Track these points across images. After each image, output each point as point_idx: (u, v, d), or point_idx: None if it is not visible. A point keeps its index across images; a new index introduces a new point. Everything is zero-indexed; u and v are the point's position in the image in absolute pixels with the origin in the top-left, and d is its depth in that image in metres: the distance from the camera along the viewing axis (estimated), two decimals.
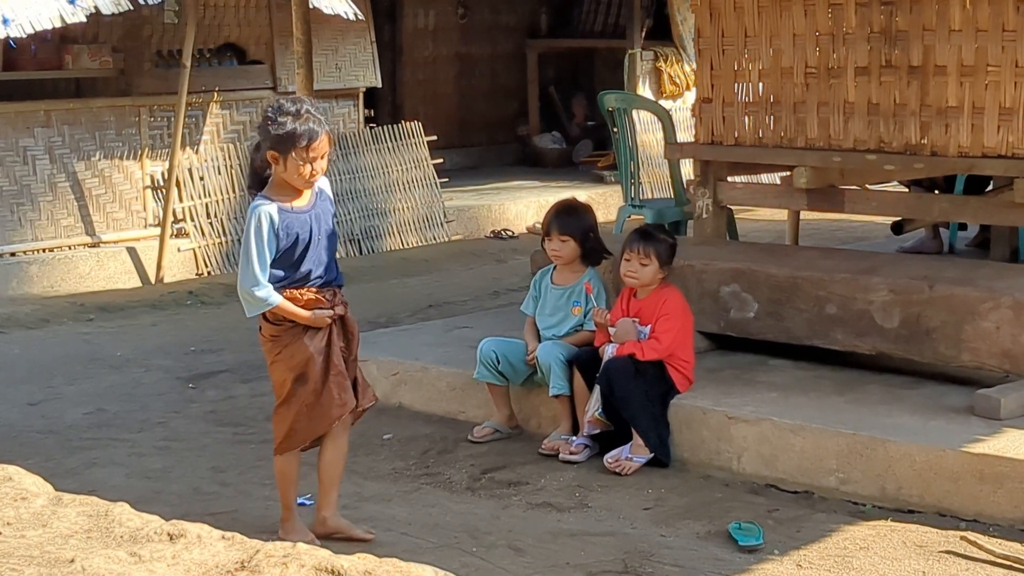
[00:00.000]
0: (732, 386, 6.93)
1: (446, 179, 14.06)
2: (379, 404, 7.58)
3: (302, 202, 5.56)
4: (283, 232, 5.46)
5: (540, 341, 7.01)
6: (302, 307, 5.56)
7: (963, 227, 10.60)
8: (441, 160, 13.99)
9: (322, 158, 5.47)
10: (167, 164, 11.86)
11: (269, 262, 5.46)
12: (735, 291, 7.38)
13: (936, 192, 9.67)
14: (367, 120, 14.28)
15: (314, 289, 5.59)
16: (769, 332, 7.33)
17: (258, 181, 5.60)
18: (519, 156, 17.57)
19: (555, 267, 7.14)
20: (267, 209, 5.45)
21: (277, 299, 5.50)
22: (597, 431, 6.72)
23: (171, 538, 3.95)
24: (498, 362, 7.01)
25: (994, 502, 5.79)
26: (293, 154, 5.41)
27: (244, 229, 5.54)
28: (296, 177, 5.47)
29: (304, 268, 5.55)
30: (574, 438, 6.77)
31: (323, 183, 5.66)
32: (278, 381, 5.73)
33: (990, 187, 9.48)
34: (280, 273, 5.51)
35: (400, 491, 6.42)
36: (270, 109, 5.51)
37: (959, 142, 7.27)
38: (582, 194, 14.10)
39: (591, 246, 7.05)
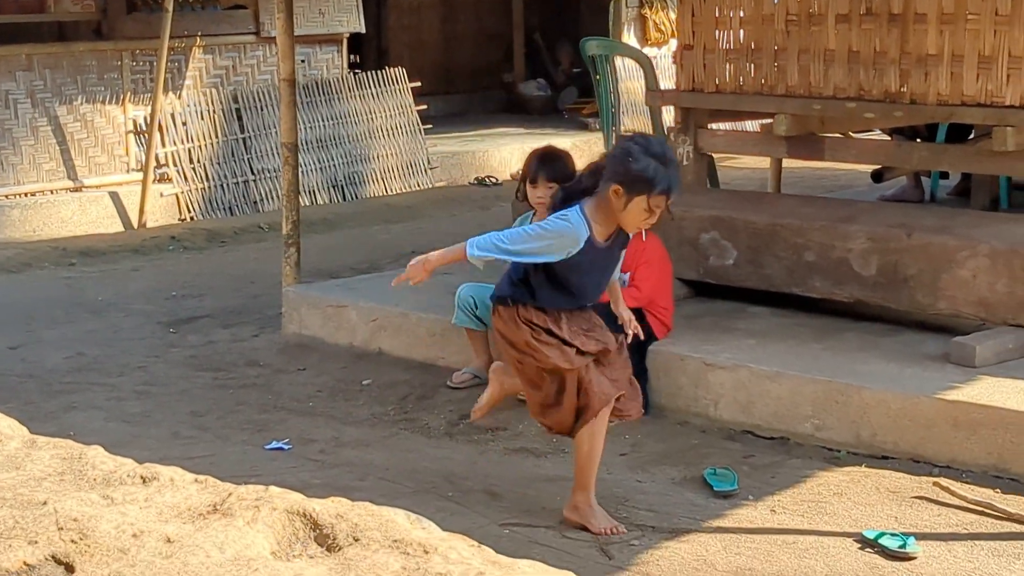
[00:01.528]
0: (710, 333, 6.95)
1: (430, 125, 14.03)
2: (358, 349, 7.65)
3: (606, 235, 5.16)
4: (571, 262, 5.12)
5: None
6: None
7: (945, 175, 10.60)
8: (425, 106, 13.96)
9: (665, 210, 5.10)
10: (149, 109, 11.82)
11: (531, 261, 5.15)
12: (714, 238, 7.39)
13: (918, 140, 9.67)
14: (352, 66, 14.24)
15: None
16: (748, 279, 7.34)
17: (564, 198, 5.25)
18: (504, 103, 17.54)
19: (534, 213, 7.13)
20: (579, 235, 5.06)
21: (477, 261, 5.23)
22: None
23: (144, 481, 3.96)
24: (476, 307, 7.02)
25: (967, 449, 5.82)
26: (650, 200, 5.00)
27: (552, 219, 5.15)
28: (630, 220, 5.09)
29: (567, 296, 5.27)
30: None
31: None
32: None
33: (972, 135, 9.48)
34: (533, 285, 5.24)
35: (378, 436, 6.44)
36: (634, 143, 5.09)
37: (938, 90, 7.27)
38: (566, 141, 14.09)
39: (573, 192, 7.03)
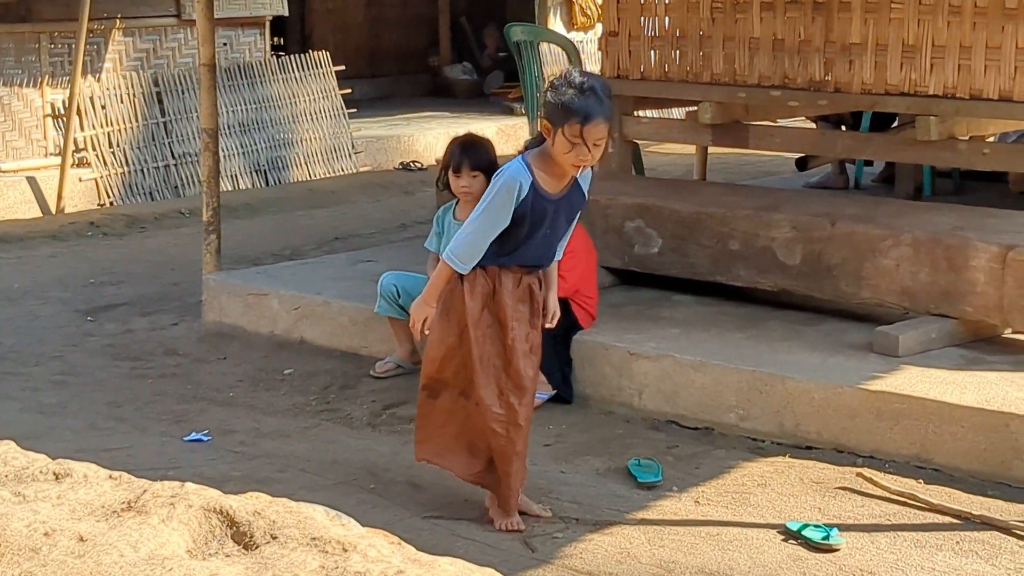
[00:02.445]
0: (635, 322, 6.92)
1: (354, 109, 13.93)
2: (280, 338, 7.56)
3: (556, 187, 5.10)
4: (522, 211, 5.03)
5: None
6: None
7: (869, 163, 10.65)
8: (350, 90, 13.85)
9: (596, 145, 4.95)
10: (68, 92, 11.65)
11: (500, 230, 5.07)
12: (639, 226, 7.36)
13: (843, 128, 9.70)
14: (276, 49, 14.11)
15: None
16: (672, 268, 7.32)
17: (534, 145, 5.19)
18: (429, 87, 17.48)
19: (457, 202, 7.06)
20: (521, 180, 5.01)
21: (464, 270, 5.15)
22: None
23: (57, 477, 3.88)
24: (399, 296, 6.95)
25: (890, 439, 5.82)
26: (565, 129, 4.91)
27: (491, 186, 5.13)
28: (562, 156, 4.97)
29: (513, 252, 5.16)
30: None
31: (585, 175, 5.22)
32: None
33: (895, 123, 9.52)
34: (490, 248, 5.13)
35: (300, 427, 6.36)
36: (558, 77, 5.03)
37: (862, 79, 7.28)
38: (492, 125, 14.07)
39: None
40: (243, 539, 3.57)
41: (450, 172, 6.81)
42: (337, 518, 3.85)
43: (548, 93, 5.04)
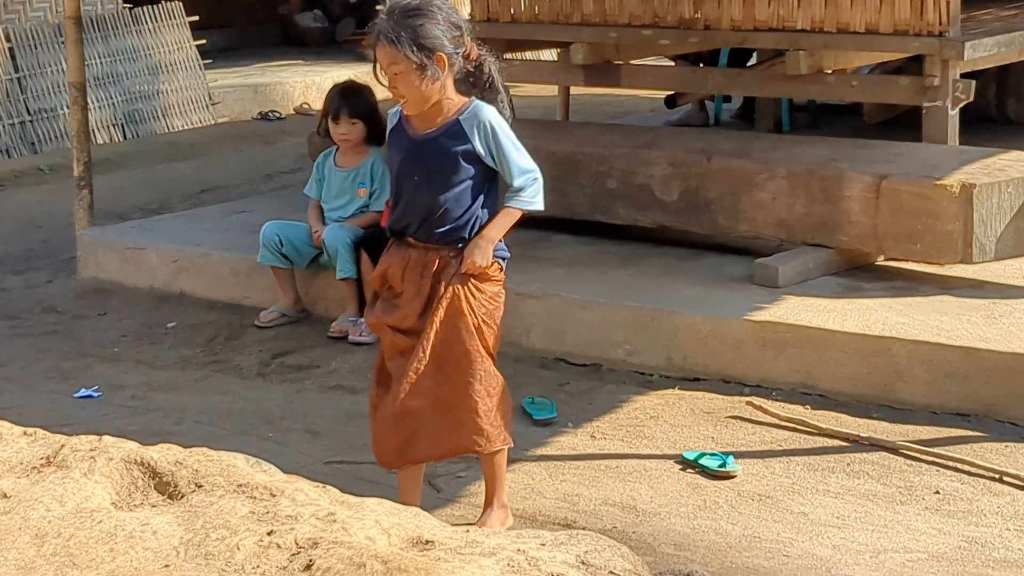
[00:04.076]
0: (517, 263, 6.89)
1: (210, 60, 13.76)
2: (159, 292, 7.50)
3: (422, 127, 4.54)
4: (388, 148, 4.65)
5: (325, 223, 6.95)
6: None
7: (727, 99, 10.79)
8: (204, 41, 13.67)
9: (390, 73, 4.41)
10: None
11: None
12: None
13: (701, 66, 9.82)
14: (126, 0, 13.86)
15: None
16: (551, 208, 7.27)
17: None
18: (281, 35, 17.29)
19: (337, 149, 7.05)
20: (391, 120, 4.67)
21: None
22: None
23: None
24: (282, 245, 6.93)
25: (776, 367, 5.96)
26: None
27: None
28: None
29: (395, 212, 4.65)
30: (362, 320, 6.74)
31: (483, 114, 4.65)
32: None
33: (752, 60, 9.67)
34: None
35: (190, 379, 6.33)
36: None
37: (731, 16, 7.38)
38: (347, 73, 13.95)
39: (377, 126, 6.96)
40: (167, 489, 3.57)
41: (329, 119, 6.84)
42: (258, 465, 3.86)
43: None
